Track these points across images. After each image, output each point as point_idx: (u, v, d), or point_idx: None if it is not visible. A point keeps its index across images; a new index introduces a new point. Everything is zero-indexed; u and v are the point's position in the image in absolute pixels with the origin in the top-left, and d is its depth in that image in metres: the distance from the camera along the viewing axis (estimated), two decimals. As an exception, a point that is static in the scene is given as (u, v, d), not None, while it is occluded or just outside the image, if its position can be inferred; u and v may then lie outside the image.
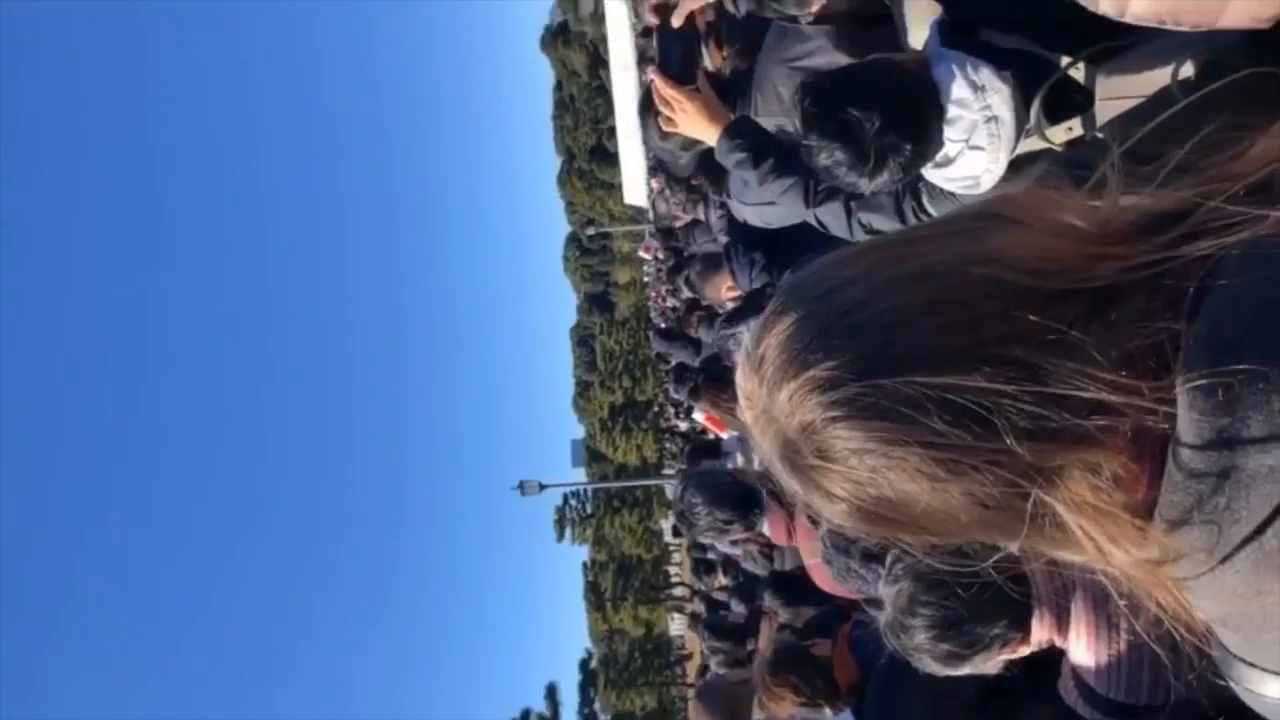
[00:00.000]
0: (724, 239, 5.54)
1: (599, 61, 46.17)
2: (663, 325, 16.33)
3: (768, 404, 0.73)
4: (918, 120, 1.65)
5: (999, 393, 0.66)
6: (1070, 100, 1.55)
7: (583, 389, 59.19)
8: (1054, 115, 1.58)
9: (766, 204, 2.49)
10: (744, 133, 2.30)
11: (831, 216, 2.17)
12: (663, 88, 2.34)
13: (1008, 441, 0.66)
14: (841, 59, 2.40)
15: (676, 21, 2.34)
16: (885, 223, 2.01)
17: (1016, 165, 1.70)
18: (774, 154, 2.22)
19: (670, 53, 2.42)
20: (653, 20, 2.38)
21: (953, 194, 1.82)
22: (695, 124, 2.34)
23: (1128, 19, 1.07)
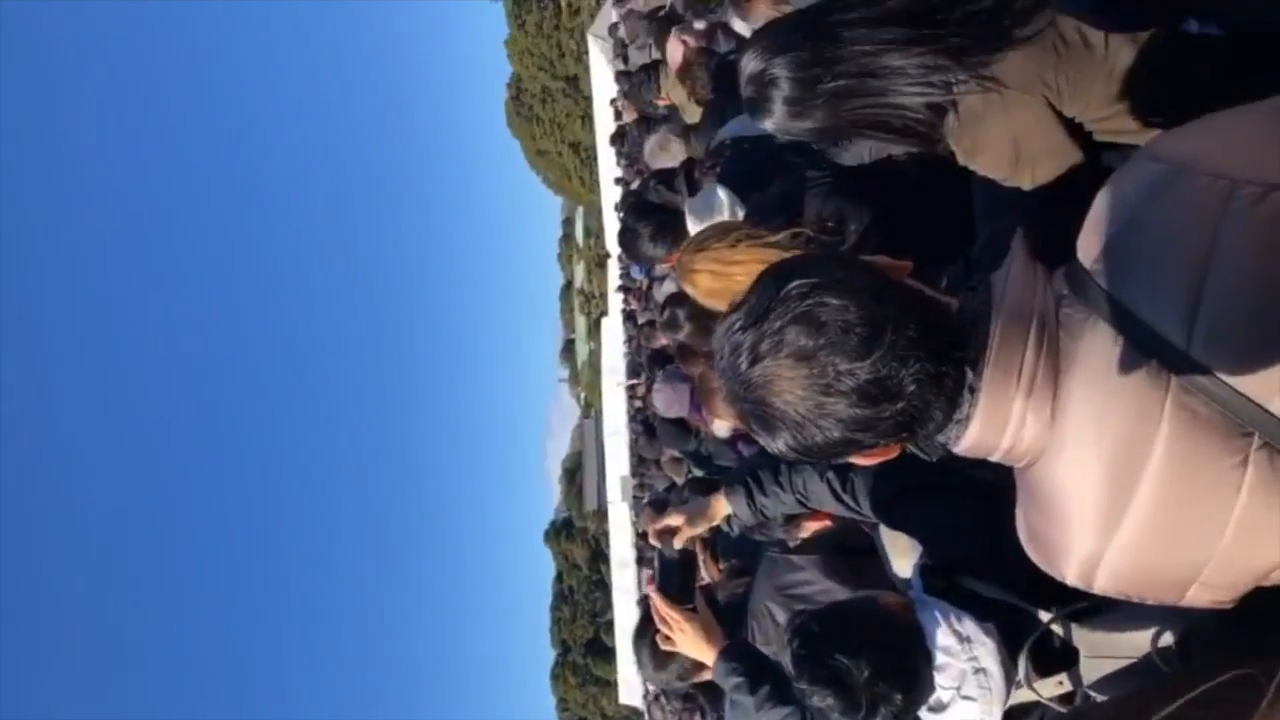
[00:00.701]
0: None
1: (599, 556, 47.41)
2: None
3: None
4: (907, 669, 1.68)
5: None
6: (1057, 653, 1.58)
7: None
8: (1042, 666, 1.61)
9: None
10: (742, 656, 2.33)
11: (830, 753, 2.09)
12: (662, 607, 2.42)
13: None
14: (832, 587, 2.51)
15: (677, 544, 2.50)
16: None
17: (1012, 716, 1.69)
18: (770, 681, 2.22)
19: (669, 573, 2.53)
20: (655, 543, 2.53)
21: (952, 739, 1.78)
22: (693, 644, 2.38)
23: (1095, 591, 1.15)
